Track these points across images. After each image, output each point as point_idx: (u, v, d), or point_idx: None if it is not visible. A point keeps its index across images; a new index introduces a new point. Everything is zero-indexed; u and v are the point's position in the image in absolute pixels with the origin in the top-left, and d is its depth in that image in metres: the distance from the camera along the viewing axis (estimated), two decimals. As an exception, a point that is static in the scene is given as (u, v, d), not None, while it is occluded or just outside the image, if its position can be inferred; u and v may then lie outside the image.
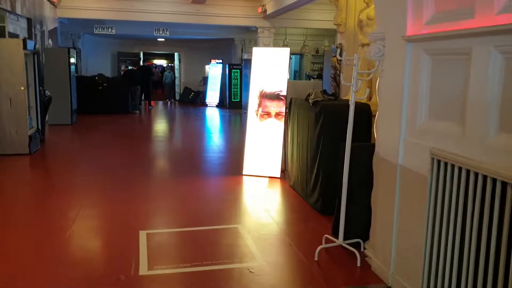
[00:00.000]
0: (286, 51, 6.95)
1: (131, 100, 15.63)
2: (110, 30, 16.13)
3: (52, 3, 13.27)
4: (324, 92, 5.74)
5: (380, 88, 3.83)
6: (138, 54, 21.39)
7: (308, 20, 15.61)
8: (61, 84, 12.06)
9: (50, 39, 13.16)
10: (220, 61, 19.25)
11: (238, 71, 17.65)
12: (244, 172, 7.00)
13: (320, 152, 5.18)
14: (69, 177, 7.02)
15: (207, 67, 20.70)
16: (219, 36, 18.68)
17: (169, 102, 21.10)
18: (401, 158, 3.42)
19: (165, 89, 22.11)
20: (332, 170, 5.12)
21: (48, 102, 10.29)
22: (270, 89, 6.84)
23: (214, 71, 19.39)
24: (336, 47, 8.36)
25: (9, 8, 9.28)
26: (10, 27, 9.58)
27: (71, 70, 12.45)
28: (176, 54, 22.41)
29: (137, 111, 16.06)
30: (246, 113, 16.54)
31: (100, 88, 15.02)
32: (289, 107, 6.43)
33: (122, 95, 15.31)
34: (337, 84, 8.37)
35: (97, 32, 16.30)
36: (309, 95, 5.65)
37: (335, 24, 8.30)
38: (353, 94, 3.93)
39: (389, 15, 3.60)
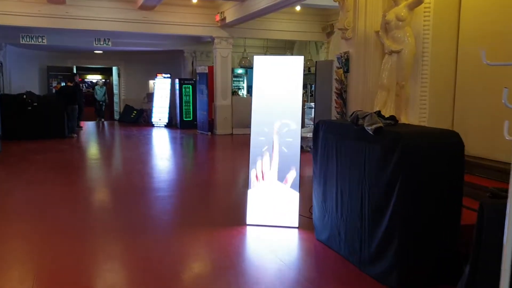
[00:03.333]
0: (299, 59, 5.31)
1: (67, 122, 13.24)
2: (40, 40, 13.67)
3: (-34, 6, 10.78)
4: (379, 114, 4.15)
5: None
6: (71, 69, 18.76)
7: (269, 30, 14.26)
8: (-21, 105, 9.67)
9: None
10: (168, 75, 17.20)
11: (190, 86, 15.75)
12: (248, 221, 5.22)
13: (394, 203, 3.55)
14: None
15: (151, 82, 18.55)
16: (167, 48, 16.70)
17: (102, 122, 18.67)
18: None
19: (96, 107, 19.43)
20: (415, 230, 3.55)
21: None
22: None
23: (161, 86, 17.27)
24: (341, 56, 6.86)
25: None
26: None
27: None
28: (114, 68, 20.04)
29: (75, 135, 13.66)
30: (203, 133, 14.91)
31: (30, 108, 12.52)
32: (314, 134, 4.79)
33: (56, 117, 12.89)
34: (344, 101, 6.86)
35: (24, 42, 13.76)
36: (357, 118, 4.06)
37: (340, 29, 6.82)
38: (518, 122, 2.35)
39: None
